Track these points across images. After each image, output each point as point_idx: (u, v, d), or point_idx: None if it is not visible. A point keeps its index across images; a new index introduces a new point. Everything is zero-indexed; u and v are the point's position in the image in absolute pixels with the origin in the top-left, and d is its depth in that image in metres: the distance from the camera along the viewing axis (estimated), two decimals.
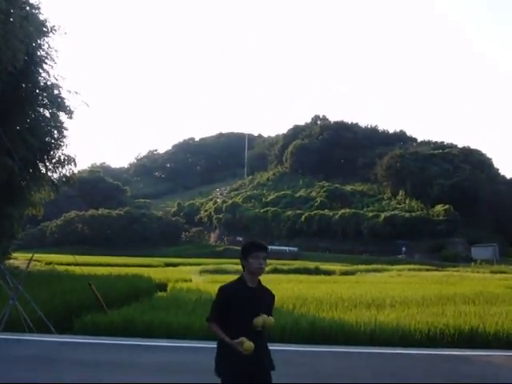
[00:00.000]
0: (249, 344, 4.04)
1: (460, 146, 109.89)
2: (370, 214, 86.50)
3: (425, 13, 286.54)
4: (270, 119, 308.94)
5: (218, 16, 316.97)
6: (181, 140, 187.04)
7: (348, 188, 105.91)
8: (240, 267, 4.49)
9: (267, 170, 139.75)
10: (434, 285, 24.07)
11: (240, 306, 4.21)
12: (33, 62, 25.18)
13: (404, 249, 72.50)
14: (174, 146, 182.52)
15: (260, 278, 4.42)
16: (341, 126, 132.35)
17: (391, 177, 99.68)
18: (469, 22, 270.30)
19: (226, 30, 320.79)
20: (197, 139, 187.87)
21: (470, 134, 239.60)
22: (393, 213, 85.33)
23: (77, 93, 27.07)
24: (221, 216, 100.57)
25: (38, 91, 26.51)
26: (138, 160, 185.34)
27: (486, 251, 66.41)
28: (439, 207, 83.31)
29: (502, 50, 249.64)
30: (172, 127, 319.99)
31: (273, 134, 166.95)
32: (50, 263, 40.73)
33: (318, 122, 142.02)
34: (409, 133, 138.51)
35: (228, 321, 4.23)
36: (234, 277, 4.50)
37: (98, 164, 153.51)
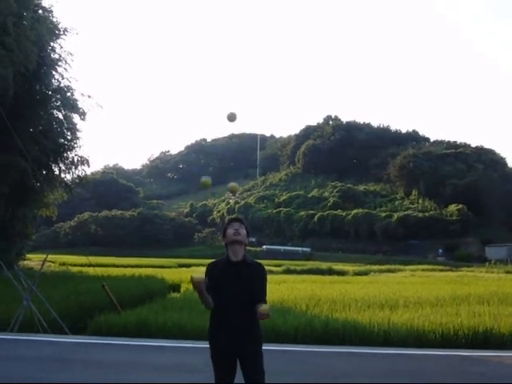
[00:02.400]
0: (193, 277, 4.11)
1: (473, 145, 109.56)
2: (383, 214, 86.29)
3: (435, 11, 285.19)
4: (282, 120, 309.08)
5: (230, 16, 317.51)
6: (193, 141, 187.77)
7: (361, 188, 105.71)
8: None
9: (279, 171, 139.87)
10: (448, 285, 23.91)
11: (220, 280, 4.24)
12: (46, 64, 25.36)
13: (441, 251, 71.22)
14: (187, 147, 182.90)
15: (245, 253, 4.43)
16: (353, 126, 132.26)
17: (404, 177, 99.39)
18: (478, 20, 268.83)
19: (238, 30, 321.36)
20: (209, 140, 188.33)
21: (483, 134, 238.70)
22: (406, 213, 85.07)
23: (89, 96, 27.25)
24: (233, 217, 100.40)
25: (50, 93, 26.67)
26: (150, 161, 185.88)
27: (500, 251, 66.02)
28: (452, 207, 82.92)
29: None
30: (184, 128, 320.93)
31: (285, 135, 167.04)
32: (64, 264, 40.90)
33: (330, 123, 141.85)
34: (421, 132, 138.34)
35: (215, 296, 4.28)
36: None
37: (111, 165, 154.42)
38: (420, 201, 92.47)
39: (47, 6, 25.81)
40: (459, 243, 75.61)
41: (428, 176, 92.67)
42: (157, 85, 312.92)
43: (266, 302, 4.33)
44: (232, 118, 5.22)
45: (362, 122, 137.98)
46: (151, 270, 34.52)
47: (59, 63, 26.38)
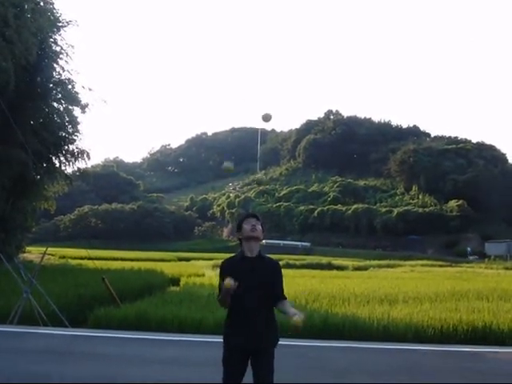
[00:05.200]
0: (228, 281, 4.01)
1: (474, 140, 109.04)
2: (383, 210, 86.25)
3: (435, 6, 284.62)
4: (283, 114, 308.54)
5: (232, 10, 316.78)
6: (194, 135, 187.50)
7: (361, 183, 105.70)
8: None
9: (280, 165, 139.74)
10: (447, 281, 23.94)
11: (236, 276, 4.13)
12: (47, 56, 25.31)
13: (469, 249, 69.60)
14: (187, 141, 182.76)
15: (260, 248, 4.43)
16: (354, 121, 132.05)
17: (404, 172, 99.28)
18: (479, 15, 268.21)
19: (240, 25, 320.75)
20: (210, 134, 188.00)
21: (484, 129, 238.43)
22: (406, 208, 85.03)
23: (90, 89, 27.23)
24: (233, 211, 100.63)
25: (51, 86, 26.64)
26: (151, 154, 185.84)
27: (499, 247, 65.97)
28: (452, 203, 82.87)
29: None
30: (185, 122, 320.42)
31: (286, 129, 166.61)
32: (64, 257, 40.91)
33: (331, 117, 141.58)
34: (422, 128, 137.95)
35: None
36: None
37: (111, 159, 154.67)
38: (420, 196, 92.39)
39: None
40: (459, 239, 75.60)
41: (428, 171, 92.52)
42: (158, 78, 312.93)
43: (285, 297, 4.41)
44: (267, 118, 5.18)
45: (362, 117, 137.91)
46: (151, 263, 34.55)
47: (60, 56, 26.32)
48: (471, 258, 64.56)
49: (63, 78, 26.82)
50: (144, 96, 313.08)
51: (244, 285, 4.14)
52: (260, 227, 4.43)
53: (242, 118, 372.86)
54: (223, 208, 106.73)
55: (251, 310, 4.17)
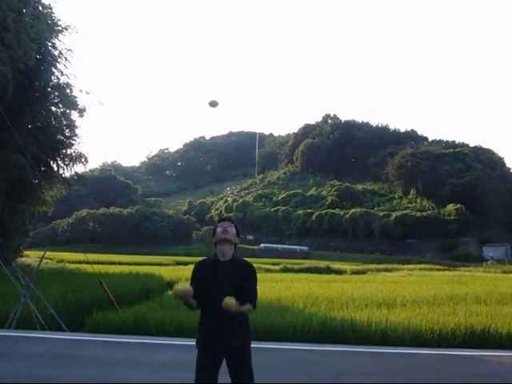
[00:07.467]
0: (176, 288, 4.01)
1: (471, 145, 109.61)
2: (381, 214, 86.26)
3: (433, 10, 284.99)
4: (281, 118, 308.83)
5: (229, 15, 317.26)
6: (192, 139, 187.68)
7: (359, 187, 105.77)
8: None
9: (278, 169, 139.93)
10: (446, 284, 23.95)
11: (206, 280, 4.13)
12: (45, 60, 25.29)
13: (491, 254, 67.45)
14: (185, 145, 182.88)
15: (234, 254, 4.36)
16: (351, 125, 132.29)
17: (402, 176, 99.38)
18: (476, 20, 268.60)
19: (238, 30, 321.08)
20: (208, 138, 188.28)
21: (482, 133, 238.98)
22: (404, 212, 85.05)
23: (88, 93, 27.22)
24: (231, 215, 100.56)
25: (49, 90, 26.61)
26: (149, 159, 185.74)
27: (497, 251, 65.92)
28: (450, 206, 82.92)
29: None
30: (183, 126, 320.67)
31: (283, 133, 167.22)
32: (62, 261, 40.90)
33: (329, 121, 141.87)
34: (420, 132, 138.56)
35: (201, 297, 4.18)
36: None
37: (109, 163, 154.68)
38: (418, 200, 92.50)
39: (47, 3, 25.78)
40: (457, 243, 75.62)
41: (426, 175, 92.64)
42: (156, 82, 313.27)
43: (254, 302, 4.27)
44: (213, 103, 5.22)
45: (360, 121, 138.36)
46: (149, 267, 34.52)
47: (59, 60, 26.30)
48: (489, 262, 63.81)
49: (61, 82, 26.80)
50: (142, 100, 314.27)
51: (215, 289, 4.10)
52: (233, 230, 4.37)
53: (240, 122, 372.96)
54: (221, 212, 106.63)
55: (223, 313, 4.04)
